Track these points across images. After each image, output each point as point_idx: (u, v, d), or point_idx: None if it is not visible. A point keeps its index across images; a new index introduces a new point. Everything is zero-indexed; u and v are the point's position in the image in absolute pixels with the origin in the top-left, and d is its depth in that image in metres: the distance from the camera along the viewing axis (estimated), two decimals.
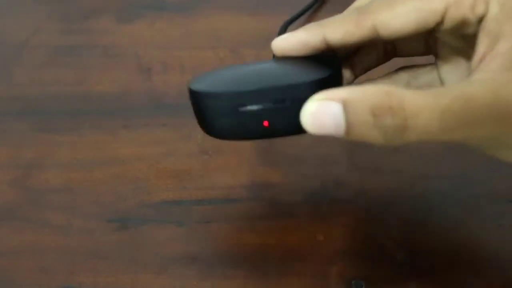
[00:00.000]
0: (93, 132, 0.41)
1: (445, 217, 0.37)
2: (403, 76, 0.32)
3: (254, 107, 0.27)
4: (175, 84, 0.43)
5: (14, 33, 0.46)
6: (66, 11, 0.48)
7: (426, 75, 0.32)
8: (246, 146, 0.41)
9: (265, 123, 0.27)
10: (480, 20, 0.27)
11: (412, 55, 0.33)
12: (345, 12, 0.30)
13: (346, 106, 0.24)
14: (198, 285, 0.34)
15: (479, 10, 0.27)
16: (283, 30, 0.45)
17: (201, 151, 0.41)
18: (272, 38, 0.45)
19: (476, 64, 0.27)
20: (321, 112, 0.24)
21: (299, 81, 0.27)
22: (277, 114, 0.27)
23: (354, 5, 0.32)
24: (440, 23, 0.27)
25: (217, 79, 0.29)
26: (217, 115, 0.27)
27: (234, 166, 0.40)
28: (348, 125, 0.24)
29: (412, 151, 0.40)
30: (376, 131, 0.24)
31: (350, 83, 0.33)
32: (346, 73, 0.32)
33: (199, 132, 0.41)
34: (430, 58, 0.32)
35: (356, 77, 0.33)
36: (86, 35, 0.46)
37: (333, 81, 0.28)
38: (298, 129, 0.25)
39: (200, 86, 0.28)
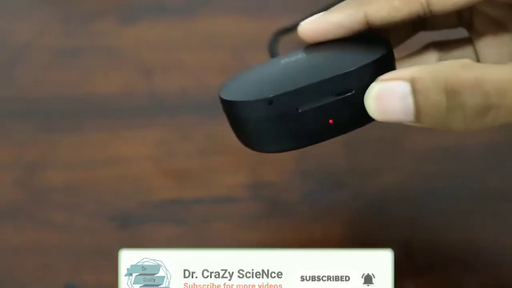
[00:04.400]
0: (95, 132, 0.42)
1: (443, 216, 0.37)
2: (433, 53, 0.29)
3: (316, 104, 0.22)
4: (175, 85, 0.44)
5: (17, 34, 0.47)
6: (69, 14, 0.48)
7: (460, 51, 0.28)
8: None
9: (330, 121, 0.23)
10: None
11: (442, 28, 0.29)
12: None
13: (414, 84, 0.20)
14: None
15: None
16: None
17: (201, 151, 0.41)
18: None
19: None
20: (386, 94, 0.21)
21: (359, 65, 0.22)
22: (342, 107, 0.23)
23: None
24: None
25: (257, 82, 0.24)
26: (274, 124, 0.23)
27: (234, 166, 0.40)
28: (418, 107, 0.20)
29: (409, 150, 0.40)
30: (452, 113, 0.20)
31: None
32: None
33: (199, 132, 0.42)
34: (461, 31, 0.29)
35: None
36: (88, 37, 0.47)
37: (390, 60, 0.24)
38: (366, 119, 0.22)
39: (240, 94, 0.23)
